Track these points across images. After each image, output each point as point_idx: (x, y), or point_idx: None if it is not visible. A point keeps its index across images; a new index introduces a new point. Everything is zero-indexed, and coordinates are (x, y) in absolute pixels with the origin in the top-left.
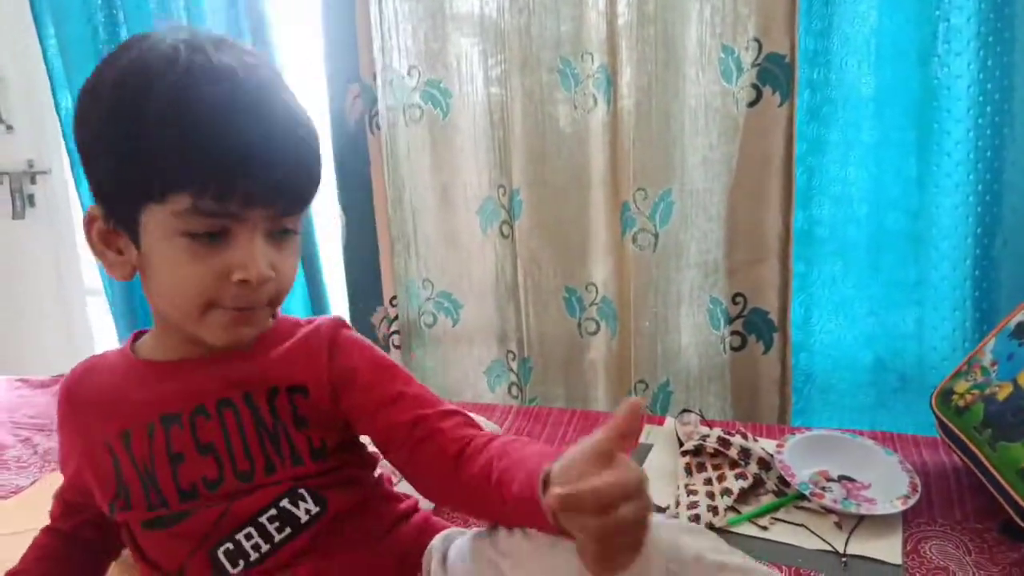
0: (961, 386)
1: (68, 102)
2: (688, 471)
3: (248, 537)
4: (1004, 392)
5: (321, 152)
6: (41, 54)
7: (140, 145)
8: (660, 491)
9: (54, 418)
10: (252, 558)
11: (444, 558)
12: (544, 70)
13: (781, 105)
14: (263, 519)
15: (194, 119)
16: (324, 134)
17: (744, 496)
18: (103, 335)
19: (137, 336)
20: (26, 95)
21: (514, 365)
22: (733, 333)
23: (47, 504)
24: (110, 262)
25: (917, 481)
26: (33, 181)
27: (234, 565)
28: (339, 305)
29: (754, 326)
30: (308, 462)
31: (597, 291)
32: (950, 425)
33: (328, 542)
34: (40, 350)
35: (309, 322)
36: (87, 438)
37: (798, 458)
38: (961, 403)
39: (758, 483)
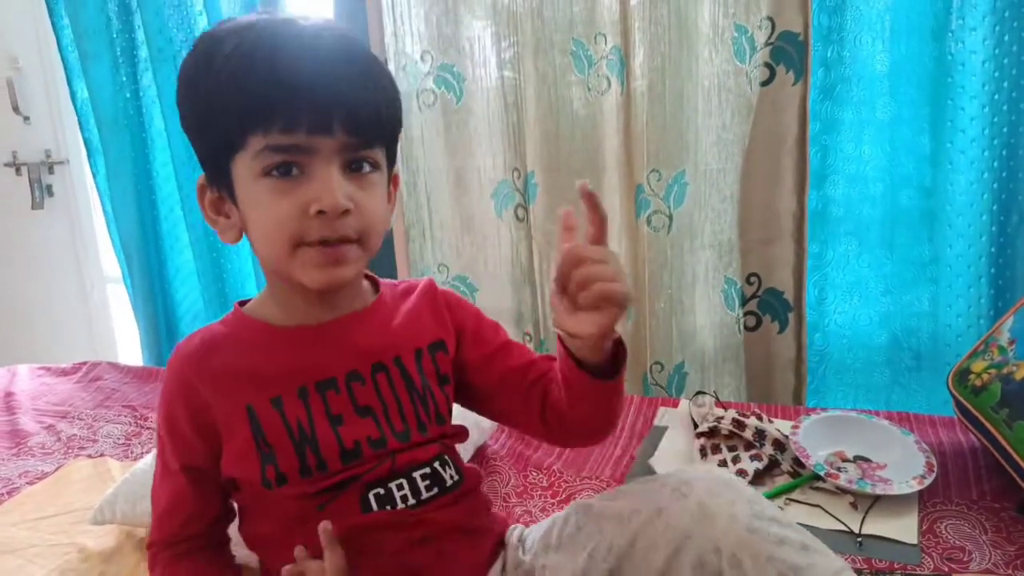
0: (978, 365)
1: (84, 92)
2: (703, 453)
3: (399, 487)
4: (1022, 371)
5: (393, 92)
6: (56, 44)
7: (213, 101)
8: (669, 464)
9: (77, 405)
10: (398, 507)
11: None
12: (557, 52)
13: (795, 84)
14: (416, 475)
15: (252, 62)
16: None
17: (759, 477)
18: (122, 322)
19: (241, 305)
20: (43, 86)
21: (531, 347)
22: (748, 313)
23: (71, 489)
24: (221, 228)
25: (933, 461)
26: (51, 171)
27: (380, 508)
28: None
29: (769, 306)
30: (447, 419)
31: None
32: (967, 405)
33: (457, 509)
34: (61, 338)
35: (408, 284)
36: (221, 413)
37: (813, 439)
38: (978, 383)
39: (773, 464)
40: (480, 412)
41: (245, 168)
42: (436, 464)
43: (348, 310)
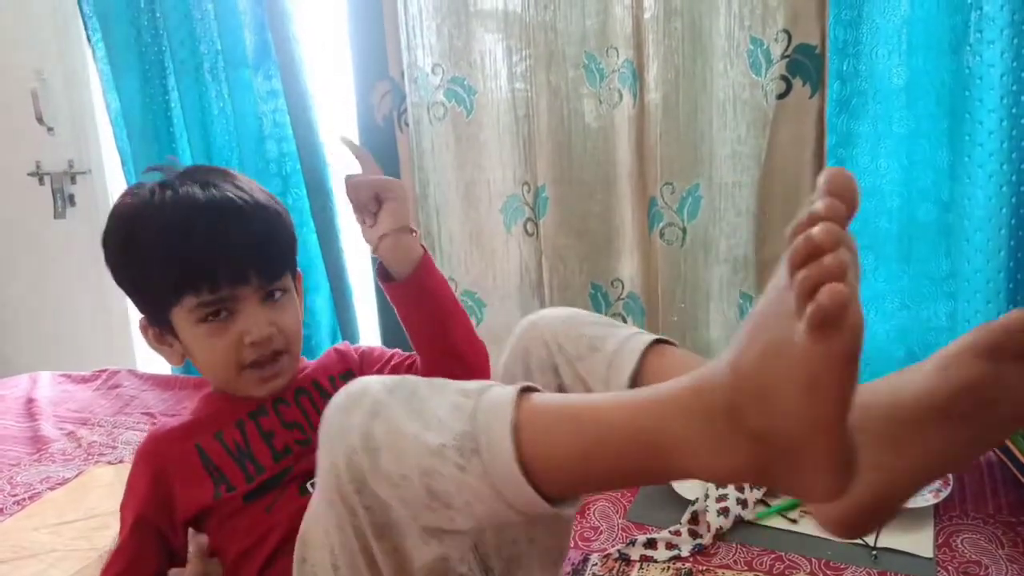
0: None
1: (116, 103)
2: None
3: None
4: None
5: (288, 222)
6: (81, 56)
7: (146, 273)
8: (689, 485)
9: (97, 412)
10: None
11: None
12: (569, 65)
13: (812, 97)
14: None
15: (172, 242)
16: (351, 131)
17: (773, 489)
18: None
19: None
20: (66, 97)
21: None
22: None
23: (91, 495)
24: (167, 355)
25: (949, 474)
26: (73, 181)
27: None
28: (366, 299)
29: None
30: None
31: (623, 287)
32: None
33: None
34: (81, 346)
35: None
36: (175, 460)
37: None
38: None
39: None
40: None
41: (183, 318)
42: None
43: None
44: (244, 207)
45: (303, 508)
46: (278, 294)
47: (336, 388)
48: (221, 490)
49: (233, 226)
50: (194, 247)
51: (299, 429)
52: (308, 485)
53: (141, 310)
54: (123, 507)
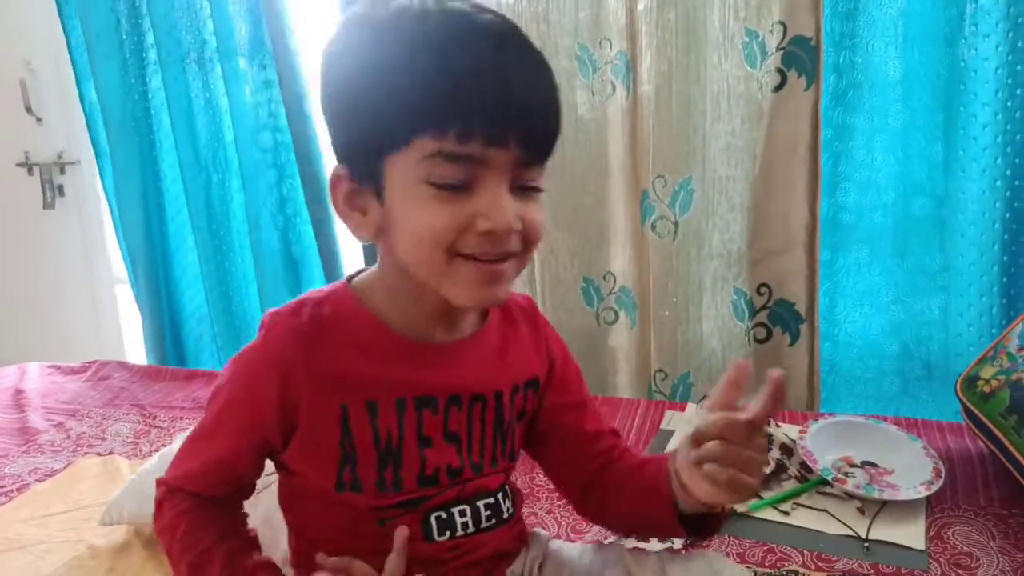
0: (987, 372)
1: (92, 94)
2: None
3: (462, 514)
4: None
5: (560, 100)
6: (66, 46)
7: (381, 92)
8: None
9: (86, 404)
10: (458, 533)
11: None
12: (562, 57)
13: (807, 89)
14: (480, 503)
15: (430, 60)
16: None
17: (766, 482)
18: (131, 322)
19: (352, 277)
20: (55, 87)
21: None
22: (758, 325)
23: (80, 487)
24: (355, 223)
25: (941, 467)
26: (62, 172)
27: (440, 534)
28: None
29: (780, 318)
30: (516, 456)
31: (615, 281)
32: (975, 411)
33: (506, 535)
34: (70, 337)
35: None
36: (313, 402)
37: (821, 444)
38: (987, 389)
39: (780, 468)
40: (524, 448)
41: (404, 170)
42: (499, 495)
43: (461, 334)
44: (530, 50)
45: (420, 552)
46: (534, 190)
47: (514, 407)
48: (346, 482)
49: (510, 65)
50: (459, 71)
51: (456, 447)
52: (433, 520)
53: (343, 154)
54: (235, 401)
